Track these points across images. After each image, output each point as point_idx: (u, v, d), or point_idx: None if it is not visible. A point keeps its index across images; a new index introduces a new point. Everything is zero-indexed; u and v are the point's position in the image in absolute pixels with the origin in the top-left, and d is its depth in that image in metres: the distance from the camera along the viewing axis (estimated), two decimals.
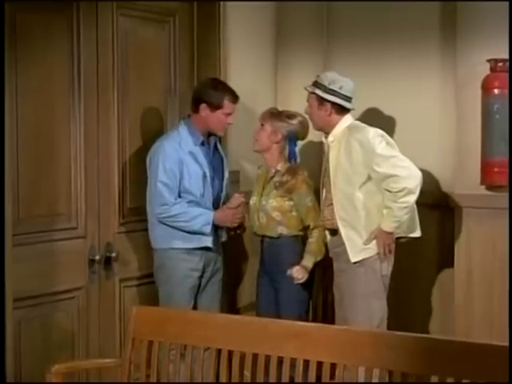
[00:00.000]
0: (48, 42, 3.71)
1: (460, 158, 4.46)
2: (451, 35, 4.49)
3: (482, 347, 2.76)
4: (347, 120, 4.06)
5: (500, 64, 4.22)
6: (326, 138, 4.10)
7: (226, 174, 4.29)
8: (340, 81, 4.03)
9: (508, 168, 4.18)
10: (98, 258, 3.92)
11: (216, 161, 4.25)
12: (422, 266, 4.62)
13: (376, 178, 3.92)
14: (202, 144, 4.17)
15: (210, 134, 4.21)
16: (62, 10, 3.77)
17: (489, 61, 4.24)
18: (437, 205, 4.52)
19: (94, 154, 4.00)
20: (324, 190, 4.11)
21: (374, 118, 4.65)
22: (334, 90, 4.01)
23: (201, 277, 4.21)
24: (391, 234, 3.95)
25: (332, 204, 4.02)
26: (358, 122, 4.09)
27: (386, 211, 3.91)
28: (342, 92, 4.02)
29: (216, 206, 4.21)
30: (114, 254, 4.19)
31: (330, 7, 4.95)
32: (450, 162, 4.53)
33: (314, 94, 4.05)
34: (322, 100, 4.02)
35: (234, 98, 4.13)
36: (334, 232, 4.07)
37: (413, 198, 3.88)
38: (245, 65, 4.75)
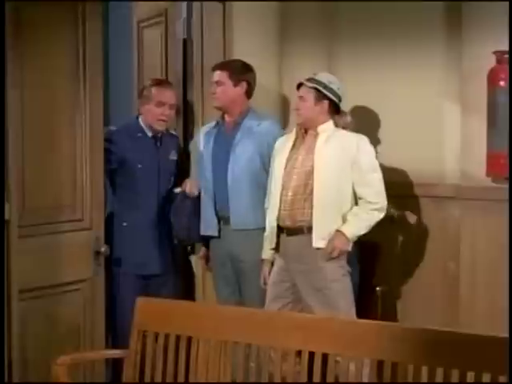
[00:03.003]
0: (53, 33, 3.70)
1: (465, 150, 4.45)
2: (456, 27, 4.47)
3: (486, 339, 2.76)
4: (332, 124, 4.14)
5: (506, 56, 4.20)
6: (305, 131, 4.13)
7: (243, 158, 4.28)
8: (337, 82, 4.14)
9: (508, 160, 4.16)
10: (103, 249, 3.92)
11: (227, 142, 4.30)
12: (427, 259, 4.61)
13: (355, 181, 4.00)
14: (217, 125, 4.36)
15: (223, 116, 4.38)
16: (67, 0, 3.77)
17: (495, 53, 4.22)
18: (442, 197, 4.51)
19: (99, 145, 4.00)
20: (291, 188, 4.05)
21: (378, 109, 4.65)
22: (333, 90, 4.11)
23: (235, 268, 4.24)
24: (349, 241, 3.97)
25: (308, 202, 3.97)
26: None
27: (353, 218, 3.95)
28: (339, 93, 4.13)
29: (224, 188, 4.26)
30: None
31: None
32: (456, 155, 4.52)
33: (314, 89, 4.08)
34: (320, 97, 4.09)
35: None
36: (296, 232, 4.02)
37: (379, 216, 3.96)
38: (249, 54, 4.73)
